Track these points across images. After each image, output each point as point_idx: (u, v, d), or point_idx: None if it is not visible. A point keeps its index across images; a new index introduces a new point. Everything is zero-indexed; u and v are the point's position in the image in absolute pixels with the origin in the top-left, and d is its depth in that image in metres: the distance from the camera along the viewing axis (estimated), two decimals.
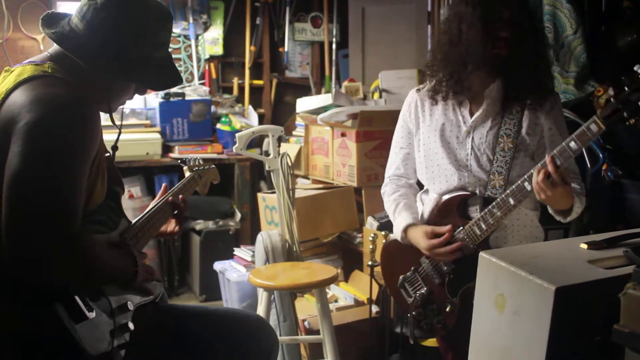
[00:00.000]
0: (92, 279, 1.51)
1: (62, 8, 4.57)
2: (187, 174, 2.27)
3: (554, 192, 2.00)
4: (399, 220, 2.36)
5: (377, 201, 3.07)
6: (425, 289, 2.32)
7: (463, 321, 2.20)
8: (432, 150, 2.31)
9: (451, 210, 2.26)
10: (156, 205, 1.96)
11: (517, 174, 2.18)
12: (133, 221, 1.85)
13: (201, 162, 2.35)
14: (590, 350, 1.45)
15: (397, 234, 2.37)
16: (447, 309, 2.26)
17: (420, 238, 2.27)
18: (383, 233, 3.20)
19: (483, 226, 2.16)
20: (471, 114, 2.27)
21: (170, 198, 2.00)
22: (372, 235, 3.18)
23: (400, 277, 2.40)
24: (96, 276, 1.52)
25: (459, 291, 2.23)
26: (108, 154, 1.77)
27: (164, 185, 2.11)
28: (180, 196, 2.04)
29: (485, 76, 2.23)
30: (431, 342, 2.69)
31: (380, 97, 4.17)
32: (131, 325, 1.63)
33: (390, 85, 4.16)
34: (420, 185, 2.48)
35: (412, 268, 2.38)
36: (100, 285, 1.58)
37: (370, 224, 3.55)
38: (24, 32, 4.44)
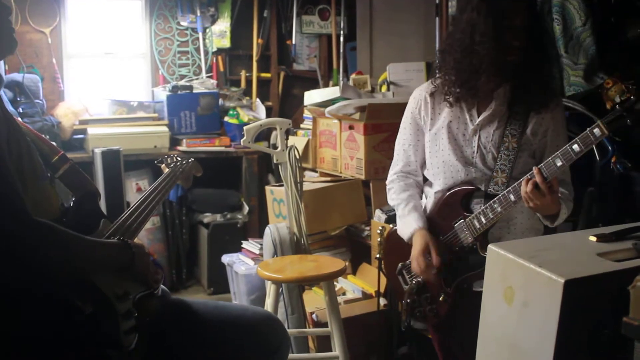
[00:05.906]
0: (69, 260, 1.49)
1: (71, 0, 4.58)
2: (166, 170, 2.28)
3: (543, 201, 2.07)
4: (409, 221, 2.40)
5: (385, 194, 3.06)
6: (421, 277, 2.38)
7: (455, 310, 2.31)
8: (439, 146, 2.37)
9: (455, 203, 2.33)
10: (139, 200, 1.93)
11: (519, 172, 2.25)
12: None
13: (179, 158, 2.37)
14: (599, 343, 1.45)
15: (404, 233, 2.42)
16: (441, 298, 2.33)
17: (417, 247, 2.34)
18: (391, 226, 3.20)
19: (483, 220, 2.23)
20: (478, 113, 2.32)
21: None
22: (380, 228, 3.17)
23: (399, 265, 2.48)
24: (74, 258, 1.49)
25: (454, 282, 2.30)
26: (71, 162, 1.79)
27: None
28: None
29: (494, 79, 2.27)
30: None
31: (388, 89, 4.17)
32: (134, 312, 1.61)
33: (398, 78, 4.16)
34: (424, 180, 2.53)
35: None
36: (86, 269, 1.55)
37: (378, 216, 3.55)
38: (32, 25, 4.40)
